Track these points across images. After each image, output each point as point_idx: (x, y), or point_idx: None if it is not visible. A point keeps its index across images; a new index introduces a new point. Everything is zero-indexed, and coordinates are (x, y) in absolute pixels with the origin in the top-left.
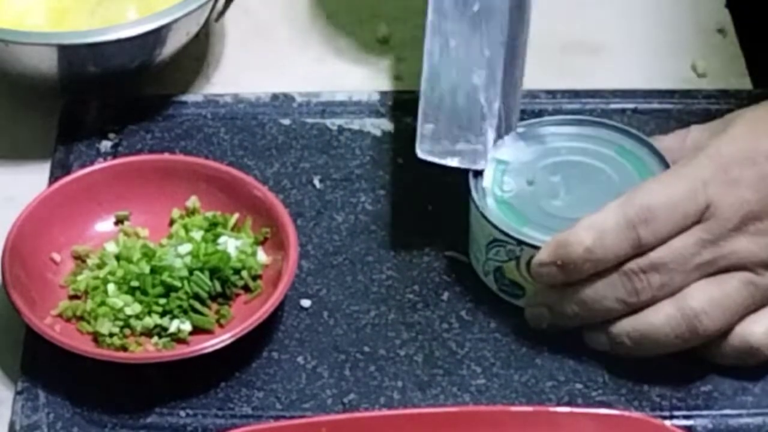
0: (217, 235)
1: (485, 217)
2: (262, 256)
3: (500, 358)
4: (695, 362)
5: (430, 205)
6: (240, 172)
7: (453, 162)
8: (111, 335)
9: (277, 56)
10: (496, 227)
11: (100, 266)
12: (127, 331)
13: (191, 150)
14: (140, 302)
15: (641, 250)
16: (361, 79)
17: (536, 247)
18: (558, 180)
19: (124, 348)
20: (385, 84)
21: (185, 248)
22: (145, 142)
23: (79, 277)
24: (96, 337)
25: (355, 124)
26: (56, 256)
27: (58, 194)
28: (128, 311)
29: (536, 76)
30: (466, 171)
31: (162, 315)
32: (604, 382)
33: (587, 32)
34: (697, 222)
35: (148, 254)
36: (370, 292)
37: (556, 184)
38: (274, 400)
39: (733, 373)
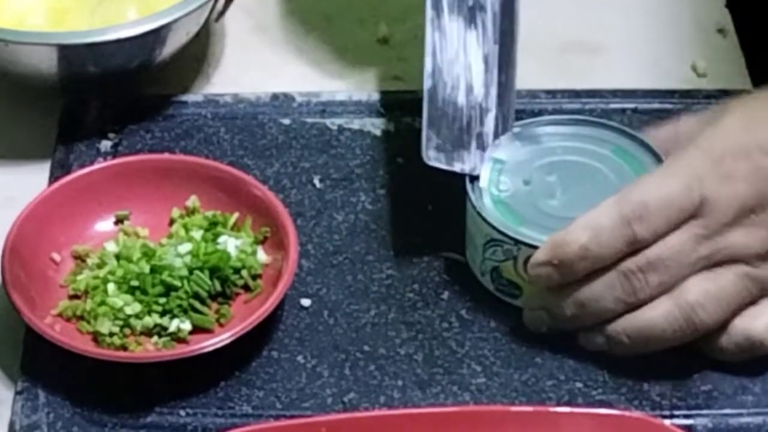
0: (217, 235)
1: (482, 217)
2: (262, 256)
3: (500, 357)
4: (695, 361)
5: (430, 205)
6: (240, 172)
7: (458, 167)
8: (111, 335)
9: (277, 56)
10: (493, 227)
11: (100, 266)
12: (127, 331)
13: (191, 150)
14: (140, 302)
15: (637, 246)
16: (361, 79)
17: (533, 247)
18: (554, 180)
19: (124, 347)
20: (385, 84)
21: (185, 248)
22: (145, 141)
23: (79, 277)
24: (96, 337)
25: (355, 124)
26: (56, 256)
27: (58, 194)
28: (128, 311)
29: (536, 76)
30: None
31: (162, 314)
32: (604, 381)
33: (587, 32)
34: (692, 217)
35: (148, 254)
36: (370, 291)
37: (552, 183)
38: (274, 400)
39: (733, 372)
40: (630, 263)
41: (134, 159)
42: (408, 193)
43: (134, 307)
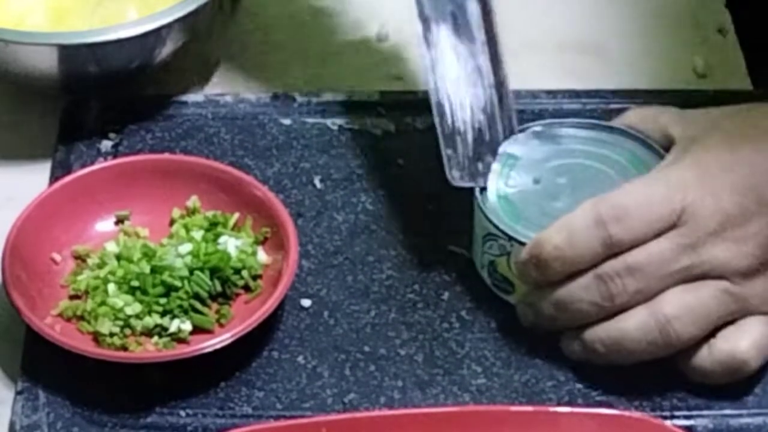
0: (218, 235)
1: (482, 210)
2: (262, 256)
3: (500, 357)
4: None
5: (430, 205)
6: (240, 172)
7: (482, 182)
8: (111, 335)
9: (277, 56)
10: (490, 221)
11: (100, 266)
12: (127, 331)
13: (192, 150)
14: (140, 302)
15: (615, 250)
16: (361, 79)
17: (525, 245)
18: (564, 182)
19: (124, 348)
20: (385, 84)
21: (185, 248)
22: (146, 142)
23: (80, 277)
24: (96, 337)
25: (356, 124)
26: (56, 256)
27: (59, 194)
28: (128, 311)
29: (536, 76)
30: None
31: (162, 315)
32: (604, 383)
33: (587, 32)
34: (674, 226)
35: (148, 254)
36: (371, 291)
37: (561, 185)
38: (275, 400)
39: None
40: (607, 267)
41: (135, 159)
42: (408, 194)
43: (134, 308)
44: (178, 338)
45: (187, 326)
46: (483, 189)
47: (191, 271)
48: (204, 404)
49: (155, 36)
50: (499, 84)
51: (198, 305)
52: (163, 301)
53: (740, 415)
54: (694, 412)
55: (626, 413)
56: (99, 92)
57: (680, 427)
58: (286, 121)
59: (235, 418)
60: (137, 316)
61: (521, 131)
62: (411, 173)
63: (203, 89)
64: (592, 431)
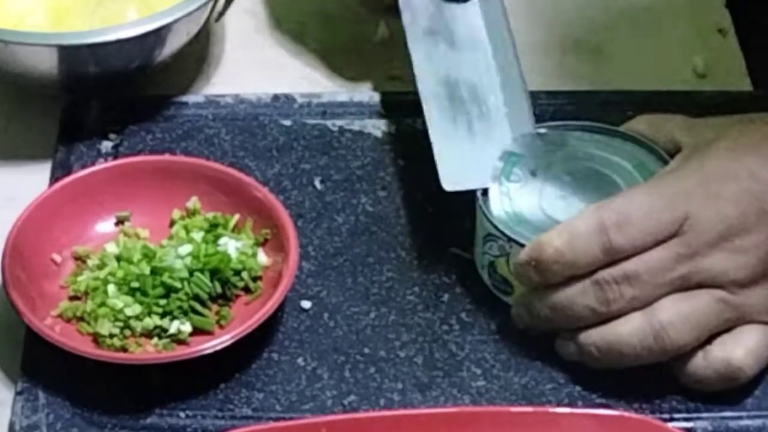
0: (218, 236)
1: (483, 210)
2: (262, 258)
3: (500, 360)
4: None
5: (430, 207)
6: (241, 173)
7: (476, 184)
8: (111, 336)
9: (277, 56)
10: (490, 222)
11: (100, 267)
12: (127, 332)
13: (192, 151)
14: (140, 303)
15: (615, 256)
16: (361, 80)
17: (524, 246)
18: (567, 184)
19: (124, 349)
20: (385, 85)
21: (185, 249)
22: (146, 142)
23: (80, 278)
24: (96, 338)
25: (356, 125)
26: (57, 257)
27: (59, 195)
28: (128, 312)
29: (536, 77)
30: None
31: (162, 316)
32: (603, 385)
33: (587, 33)
34: (674, 235)
35: (148, 255)
36: (371, 293)
37: (564, 188)
38: (274, 402)
39: None
40: (605, 273)
41: (135, 160)
42: (409, 195)
43: (134, 309)
44: (177, 339)
45: (187, 327)
46: (485, 190)
47: (191, 273)
48: (204, 406)
49: (155, 36)
50: (510, 83)
51: (198, 306)
52: (163, 302)
53: (740, 417)
54: (694, 415)
55: (626, 414)
56: (99, 92)
57: (680, 428)
58: (287, 122)
59: (235, 420)
60: (137, 318)
61: (525, 134)
62: (411, 175)
63: (204, 90)
64: None
